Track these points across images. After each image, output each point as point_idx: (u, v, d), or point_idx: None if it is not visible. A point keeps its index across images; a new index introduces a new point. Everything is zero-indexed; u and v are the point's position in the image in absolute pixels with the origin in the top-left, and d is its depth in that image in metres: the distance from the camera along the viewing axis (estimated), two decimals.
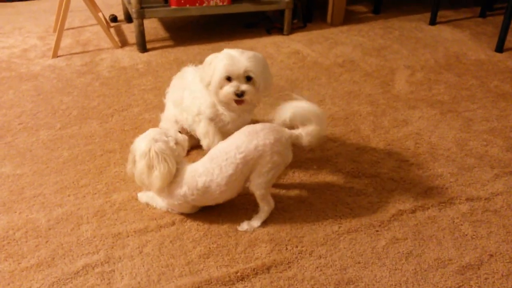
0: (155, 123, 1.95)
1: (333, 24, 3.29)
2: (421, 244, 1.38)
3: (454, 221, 1.47)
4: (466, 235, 1.42)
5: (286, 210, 1.50)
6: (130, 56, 2.71)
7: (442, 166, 1.74)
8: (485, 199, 1.58)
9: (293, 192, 1.60)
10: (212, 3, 2.78)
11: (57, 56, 2.68)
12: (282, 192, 1.59)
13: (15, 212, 1.48)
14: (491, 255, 1.35)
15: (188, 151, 1.75)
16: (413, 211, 1.51)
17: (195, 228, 1.43)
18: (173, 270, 1.28)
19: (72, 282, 1.24)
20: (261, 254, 1.33)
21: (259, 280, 1.25)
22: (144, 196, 1.53)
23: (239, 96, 1.48)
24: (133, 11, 2.64)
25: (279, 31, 3.13)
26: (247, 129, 1.39)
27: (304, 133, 1.40)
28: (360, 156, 1.80)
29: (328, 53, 2.79)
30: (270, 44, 2.93)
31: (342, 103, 2.21)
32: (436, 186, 1.64)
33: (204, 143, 1.63)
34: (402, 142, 1.89)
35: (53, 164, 1.72)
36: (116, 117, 2.05)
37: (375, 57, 2.75)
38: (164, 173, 1.33)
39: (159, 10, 2.72)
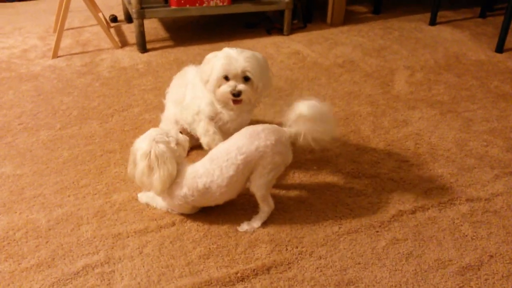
0: (155, 123, 1.95)
1: (333, 25, 3.29)
2: (421, 244, 1.38)
3: (454, 222, 1.48)
4: (466, 235, 1.42)
5: (286, 211, 1.50)
6: (130, 56, 2.71)
7: (442, 167, 1.74)
8: (485, 199, 1.58)
9: (293, 193, 1.60)
10: (212, 3, 2.78)
11: (57, 57, 2.68)
12: (282, 192, 1.59)
13: (15, 212, 1.48)
14: (491, 256, 1.35)
15: (188, 152, 1.75)
16: (413, 212, 1.51)
17: (195, 228, 1.43)
18: (173, 270, 1.28)
19: (72, 283, 1.24)
20: (261, 255, 1.33)
21: (259, 281, 1.25)
22: (144, 197, 1.53)
23: (236, 95, 1.48)
24: (133, 11, 2.64)
25: (279, 31, 3.13)
26: (248, 130, 1.39)
27: (308, 131, 1.40)
28: (360, 156, 1.80)
29: (328, 54, 2.79)
30: (270, 44, 2.93)
31: (342, 103, 2.21)
32: (436, 186, 1.64)
33: (204, 141, 1.63)
34: (402, 143, 1.89)
35: (53, 165, 1.72)
36: (116, 118, 2.05)
37: (375, 57, 2.75)
38: (164, 177, 1.33)
39: (159, 10, 2.72)
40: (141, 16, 2.66)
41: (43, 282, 1.24)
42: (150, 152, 1.33)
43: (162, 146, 1.34)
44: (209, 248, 1.35)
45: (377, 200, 1.56)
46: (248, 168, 1.35)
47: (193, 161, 1.46)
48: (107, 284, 1.23)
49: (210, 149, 1.50)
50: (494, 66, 2.64)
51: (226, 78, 1.48)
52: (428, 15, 3.38)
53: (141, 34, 2.71)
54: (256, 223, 1.43)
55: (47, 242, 1.37)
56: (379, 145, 1.87)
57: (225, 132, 1.62)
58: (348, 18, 3.41)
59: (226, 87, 1.48)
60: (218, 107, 1.57)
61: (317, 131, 1.40)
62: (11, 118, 2.04)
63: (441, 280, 1.27)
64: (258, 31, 3.16)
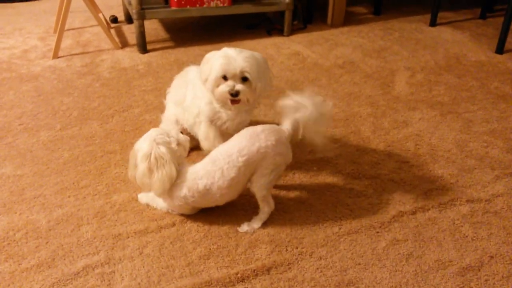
0: (155, 124, 1.95)
1: (333, 26, 3.29)
2: (421, 245, 1.38)
3: (454, 223, 1.47)
4: (467, 236, 1.42)
5: (286, 211, 1.50)
6: (130, 57, 2.71)
7: (442, 168, 1.75)
8: (485, 200, 1.58)
9: (293, 194, 1.60)
10: (212, 4, 2.79)
11: (58, 57, 2.68)
12: (282, 193, 1.59)
13: (16, 213, 1.48)
14: (492, 257, 1.35)
15: (189, 152, 1.75)
16: (414, 213, 1.51)
17: (195, 229, 1.43)
18: (173, 271, 1.28)
19: (72, 283, 1.24)
20: (261, 255, 1.33)
21: (259, 281, 1.25)
22: (144, 197, 1.53)
23: (234, 95, 1.48)
24: (133, 12, 2.64)
25: (280, 32, 3.13)
26: (248, 131, 1.38)
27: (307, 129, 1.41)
28: (360, 157, 1.80)
29: (328, 55, 2.79)
30: (271, 45, 2.93)
31: (342, 104, 2.21)
32: (437, 187, 1.64)
33: (204, 146, 1.64)
34: (402, 144, 1.89)
35: (54, 165, 1.72)
36: (116, 118, 2.05)
37: (375, 58, 2.75)
38: (163, 178, 1.33)
39: (160, 11, 2.73)
40: (142, 17, 2.66)
41: (43, 282, 1.24)
42: (150, 153, 1.33)
43: (162, 148, 1.34)
44: (209, 249, 1.35)
45: (377, 201, 1.56)
46: (249, 169, 1.35)
47: (194, 161, 1.46)
48: (107, 285, 1.23)
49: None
50: (494, 67, 2.64)
51: (225, 77, 1.49)
52: (428, 16, 3.39)
53: (142, 34, 2.72)
54: (256, 223, 1.43)
55: (47, 242, 1.37)
56: (379, 146, 1.87)
57: (224, 132, 1.62)
58: (349, 19, 3.42)
59: (225, 87, 1.48)
60: (217, 106, 1.57)
61: (313, 131, 1.41)
62: (11, 118, 2.04)
63: (441, 281, 1.27)
64: (258, 32, 3.16)
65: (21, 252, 1.33)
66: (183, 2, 2.73)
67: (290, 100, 1.41)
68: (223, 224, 1.44)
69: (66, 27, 2.87)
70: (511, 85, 2.43)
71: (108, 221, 1.45)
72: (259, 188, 1.38)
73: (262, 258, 1.32)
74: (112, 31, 3.13)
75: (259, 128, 1.38)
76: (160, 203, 1.49)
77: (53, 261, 1.30)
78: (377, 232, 1.43)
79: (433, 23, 3.33)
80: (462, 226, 1.46)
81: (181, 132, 1.68)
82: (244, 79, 1.48)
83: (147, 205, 1.52)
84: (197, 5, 2.76)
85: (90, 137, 1.90)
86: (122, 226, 1.43)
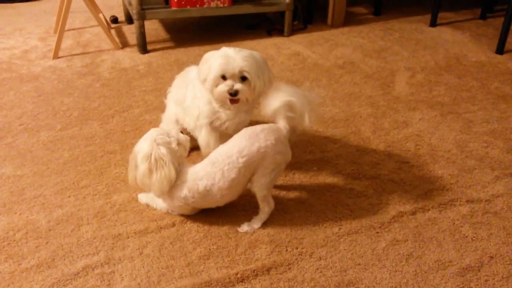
0: (155, 124, 1.95)
1: (333, 26, 3.29)
2: (421, 245, 1.38)
3: (454, 223, 1.47)
4: (467, 237, 1.42)
5: (286, 212, 1.50)
6: (130, 57, 2.71)
7: (443, 168, 1.74)
8: (485, 201, 1.58)
9: (293, 194, 1.60)
10: (212, 4, 2.79)
11: (58, 57, 2.68)
12: (282, 193, 1.59)
13: (16, 213, 1.48)
14: (491, 257, 1.35)
15: (189, 152, 1.75)
16: (414, 213, 1.51)
17: (195, 229, 1.43)
18: (173, 271, 1.28)
19: (72, 283, 1.24)
20: (261, 256, 1.33)
21: (259, 282, 1.25)
22: (144, 197, 1.53)
23: (233, 95, 1.48)
24: (133, 12, 2.64)
25: (280, 32, 3.13)
26: (247, 131, 1.38)
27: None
28: (361, 157, 1.80)
29: (328, 55, 2.79)
30: (271, 45, 2.93)
31: (343, 104, 2.21)
32: (437, 187, 1.64)
33: (203, 152, 1.64)
34: (403, 144, 1.89)
35: (54, 165, 1.72)
36: (116, 118, 2.05)
37: (376, 58, 2.75)
38: (162, 180, 1.33)
39: (160, 12, 2.73)
40: (142, 17, 2.66)
41: (43, 282, 1.24)
42: (151, 154, 1.33)
43: (163, 149, 1.34)
44: (209, 249, 1.35)
45: (377, 201, 1.56)
46: (249, 169, 1.35)
47: (194, 161, 1.46)
48: (107, 285, 1.23)
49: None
50: (495, 67, 2.64)
51: (224, 77, 1.49)
52: (428, 17, 3.39)
53: (142, 35, 2.72)
54: (256, 223, 1.43)
55: (47, 242, 1.37)
56: (380, 146, 1.87)
57: (224, 133, 1.62)
58: (349, 20, 3.42)
59: (224, 87, 1.48)
60: (216, 106, 1.57)
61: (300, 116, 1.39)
62: (11, 118, 2.04)
63: (441, 281, 1.26)
64: (258, 32, 3.16)
65: (21, 252, 1.33)
66: (183, 3, 2.73)
67: (277, 102, 1.39)
68: (223, 224, 1.44)
69: (67, 27, 2.88)
70: (511, 85, 2.43)
71: (108, 221, 1.45)
72: (260, 188, 1.38)
73: (262, 258, 1.32)
74: (113, 31, 3.13)
75: (258, 128, 1.38)
76: (160, 204, 1.49)
77: (53, 261, 1.30)
78: (377, 233, 1.43)
79: (433, 24, 3.33)
80: (462, 227, 1.46)
81: (181, 132, 1.68)
82: (243, 79, 1.48)
83: (147, 205, 1.52)
84: (197, 6, 2.76)
85: (90, 137, 1.90)
86: (122, 226, 1.43)
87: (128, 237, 1.39)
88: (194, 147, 1.75)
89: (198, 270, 1.28)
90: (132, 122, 2.01)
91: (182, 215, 1.47)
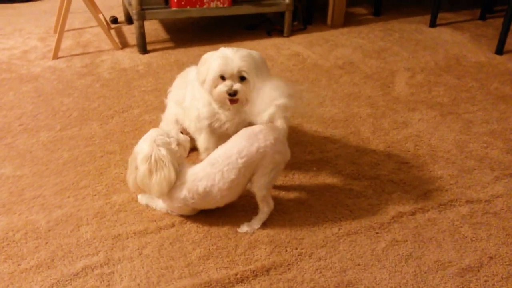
0: (155, 124, 1.95)
1: (333, 26, 3.29)
2: (421, 246, 1.38)
3: (454, 223, 1.47)
4: (466, 237, 1.42)
5: (285, 212, 1.50)
6: (130, 57, 2.71)
7: (442, 168, 1.74)
8: (485, 201, 1.58)
9: (293, 194, 1.60)
10: (212, 4, 2.79)
11: (58, 58, 2.68)
12: (282, 194, 1.59)
13: (15, 213, 1.48)
14: (491, 258, 1.35)
15: (189, 152, 1.75)
16: (413, 213, 1.51)
17: (194, 230, 1.42)
18: (173, 272, 1.28)
19: (71, 284, 1.24)
20: (261, 256, 1.33)
21: (259, 282, 1.25)
22: (144, 198, 1.53)
23: (232, 95, 1.48)
24: (133, 12, 2.64)
25: (280, 33, 3.13)
26: (246, 132, 1.38)
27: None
28: (360, 158, 1.80)
29: (328, 55, 2.79)
30: (271, 46, 2.93)
31: (342, 105, 2.21)
32: (436, 188, 1.64)
33: (202, 156, 1.65)
34: (402, 144, 1.89)
35: (53, 166, 1.72)
36: (116, 119, 2.05)
37: (375, 59, 2.75)
38: (162, 181, 1.33)
39: (160, 12, 2.73)
40: (142, 18, 2.66)
41: (42, 283, 1.24)
42: (151, 155, 1.33)
43: (162, 150, 1.34)
44: (209, 249, 1.35)
45: (377, 202, 1.56)
46: (249, 170, 1.35)
47: (194, 161, 1.46)
48: (107, 286, 1.23)
49: None
50: (494, 68, 2.64)
51: (223, 77, 1.49)
52: (428, 17, 3.39)
53: (142, 35, 2.72)
54: (255, 224, 1.43)
55: (46, 243, 1.37)
56: (379, 147, 1.87)
57: (224, 134, 1.62)
58: (348, 20, 3.42)
59: (223, 87, 1.48)
60: (215, 107, 1.58)
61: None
62: (11, 119, 2.04)
63: (440, 282, 1.26)
64: (258, 33, 3.16)
65: (20, 253, 1.33)
66: (183, 3, 2.73)
67: (271, 107, 1.37)
68: (223, 225, 1.44)
69: (66, 27, 2.88)
70: (511, 85, 2.43)
71: (108, 221, 1.45)
72: (260, 188, 1.38)
73: (262, 259, 1.32)
74: (112, 31, 3.13)
75: (257, 128, 1.38)
76: (159, 204, 1.49)
77: (53, 262, 1.30)
78: (377, 233, 1.43)
79: (433, 24, 3.33)
80: (461, 227, 1.46)
81: (181, 132, 1.69)
82: (242, 78, 1.49)
83: (147, 206, 1.52)
84: (197, 6, 2.76)
85: (89, 137, 1.90)
86: (121, 227, 1.43)
87: (128, 238, 1.39)
88: (194, 148, 1.75)
89: (197, 271, 1.28)
90: (132, 123, 2.01)
91: (181, 215, 1.47)
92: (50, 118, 2.05)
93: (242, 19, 3.37)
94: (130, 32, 3.11)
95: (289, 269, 1.30)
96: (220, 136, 1.65)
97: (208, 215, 1.47)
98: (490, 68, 2.64)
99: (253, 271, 1.28)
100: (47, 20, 3.40)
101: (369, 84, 2.43)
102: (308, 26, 3.29)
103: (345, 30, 3.24)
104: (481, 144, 1.90)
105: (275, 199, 1.51)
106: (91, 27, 3.21)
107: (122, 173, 1.67)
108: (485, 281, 1.27)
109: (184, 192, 1.37)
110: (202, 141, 1.64)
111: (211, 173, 1.35)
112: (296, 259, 1.33)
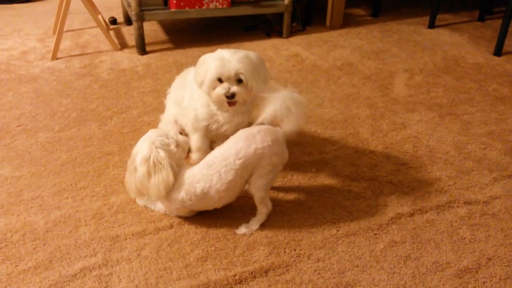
0: (154, 125, 1.95)
1: (332, 27, 3.29)
2: (419, 247, 1.38)
3: (452, 225, 1.48)
4: (464, 238, 1.42)
5: (284, 213, 1.50)
6: (129, 58, 2.71)
7: (441, 170, 1.75)
8: (483, 202, 1.58)
9: (291, 195, 1.60)
10: (211, 5, 2.79)
11: (57, 58, 2.68)
12: (280, 195, 1.59)
13: (13, 214, 1.48)
14: (489, 259, 1.35)
15: (188, 153, 1.75)
16: (412, 215, 1.51)
17: (193, 231, 1.42)
18: (171, 273, 1.28)
19: (69, 285, 1.23)
20: (259, 257, 1.33)
21: (257, 284, 1.25)
22: (142, 199, 1.52)
23: (230, 98, 1.48)
24: (132, 13, 2.64)
25: (279, 34, 3.13)
26: (243, 133, 1.38)
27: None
28: (359, 159, 1.80)
29: (327, 56, 2.79)
30: (270, 47, 2.94)
31: (341, 106, 2.21)
32: (435, 189, 1.64)
33: (194, 157, 1.66)
34: (401, 145, 1.89)
35: (52, 167, 1.72)
36: (115, 120, 2.05)
37: (374, 60, 2.76)
38: (159, 185, 1.32)
39: (159, 13, 2.73)
40: (141, 19, 2.66)
41: (40, 284, 1.23)
42: (149, 157, 1.33)
43: (161, 152, 1.33)
44: (207, 251, 1.35)
45: (375, 203, 1.56)
46: (247, 171, 1.35)
47: (192, 162, 1.46)
48: (105, 287, 1.23)
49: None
50: (493, 69, 2.64)
51: (220, 80, 1.49)
52: (427, 18, 3.39)
53: (141, 36, 2.72)
54: (254, 225, 1.43)
55: (44, 244, 1.37)
56: (378, 148, 1.88)
57: (222, 135, 1.62)
58: (347, 21, 3.42)
59: (220, 90, 1.48)
60: (214, 108, 1.58)
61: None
62: (10, 119, 2.04)
63: (439, 283, 1.27)
64: (257, 34, 3.16)
65: (18, 254, 1.33)
66: (182, 4, 2.73)
67: (272, 112, 1.37)
68: (221, 226, 1.44)
69: (65, 28, 2.87)
70: (509, 87, 2.43)
71: (106, 222, 1.45)
72: (258, 190, 1.38)
73: (260, 260, 1.32)
74: (111, 32, 3.13)
75: (254, 129, 1.38)
76: (157, 205, 1.49)
77: (51, 263, 1.30)
78: (375, 234, 1.43)
79: (431, 25, 3.33)
80: (460, 228, 1.46)
81: (180, 133, 1.68)
82: (240, 80, 1.49)
83: (145, 207, 1.51)
84: (196, 7, 2.76)
85: (88, 138, 1.90)
86: (120, 228, 1.43)
87: (126, 239, 1.39)
88: None
89: (196, 272, 1.28)
90: (131, 124, 2.01)
91: (180, 216, 1.47)
92: (49, 118, 2.05)
93: (241, 20, 3.37)
94: (129, 33, 3.11)
95: (287, 270, 1.30)
96: (217, 137, 1.65)
97: (206, 216, 1.47)
98: (489, 69, 2.64)
99: (252, 273, 1.28)
100: (46, 21, 3.40)
101: (368, 85, 2.43)
102: (307, 27, 3.29)
103: (343, 31, 3.24)
104: (480, 145, 1.90)
105: (274, 200, 1.51)
106: (90, 28, 3.20)
107: (120, 174, 1.67)
108: (483, 282, 1.27)
109: (182, 194, 1.36)
110: (195, 141, 1.64)
111: (208, 175, 1.34)
112: (294, 260, 1.33)
